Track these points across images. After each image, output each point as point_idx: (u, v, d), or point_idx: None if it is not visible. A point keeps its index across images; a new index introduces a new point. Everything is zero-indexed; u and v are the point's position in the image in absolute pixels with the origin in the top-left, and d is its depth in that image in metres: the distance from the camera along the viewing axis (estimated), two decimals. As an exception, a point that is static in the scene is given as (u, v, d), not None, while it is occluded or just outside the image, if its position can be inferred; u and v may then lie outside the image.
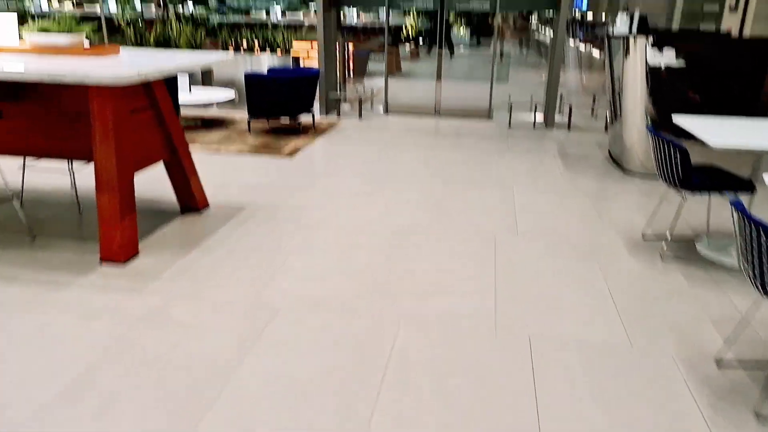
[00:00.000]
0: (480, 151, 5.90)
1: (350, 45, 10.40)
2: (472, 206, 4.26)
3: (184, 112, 7.27)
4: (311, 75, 6.34)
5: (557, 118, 7.30)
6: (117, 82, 2.80)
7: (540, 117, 7.46)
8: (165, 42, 7.43)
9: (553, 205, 4.33)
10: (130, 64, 3.18)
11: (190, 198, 3.95)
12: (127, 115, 3.21)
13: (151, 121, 3.54)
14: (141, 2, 13.51)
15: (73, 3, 13.72)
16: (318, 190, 4.54)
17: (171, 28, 7.45)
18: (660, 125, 4.92)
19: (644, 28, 4.82)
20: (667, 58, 4.76)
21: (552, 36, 7.11)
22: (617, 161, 5.45)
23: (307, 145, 5.98)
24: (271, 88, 6.10)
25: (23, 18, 8.18)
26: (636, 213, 4.20)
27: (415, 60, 12.90)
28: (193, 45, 7.44)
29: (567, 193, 4.59)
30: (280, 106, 6.18)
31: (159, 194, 4.36)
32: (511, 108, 7.12)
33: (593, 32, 13.29)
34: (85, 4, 11.42)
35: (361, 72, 10.06)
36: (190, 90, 6.59)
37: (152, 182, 4.66)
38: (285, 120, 6.86)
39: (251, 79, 6.11)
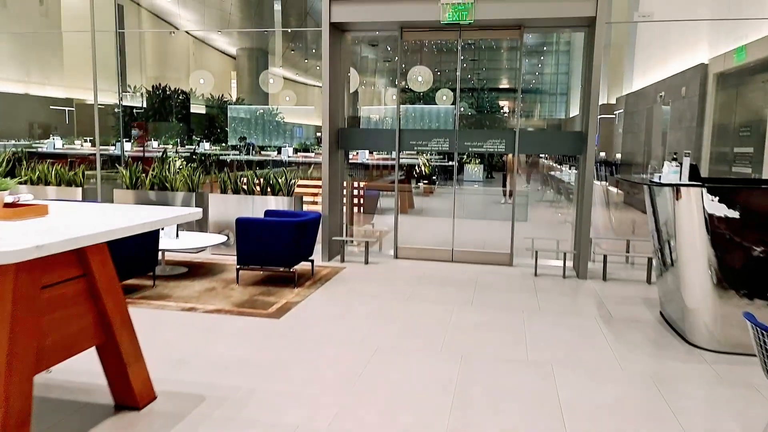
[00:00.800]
0: (505, 309, 4.90)
1: (360, 183, 9.91)
2: (502, 399, 3.17)
3: (170, 256, 6.50)
4: (312, 219, 5.61)
5: (589, 264, 6.36)
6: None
7: (569, 263, 6.54)
8: (161, 184, 6.89)
9: (611, 399, 3.22)
10: (42, 231, 2.37)
11: (128, 392, 2.94)
12: (33, 294, 2.33)
13: (78, 297, 2.65)
14: (132, 141, 13.50)
15: (91, 142, 13.83)
16: (302, 371, 3.51)
17: (168, 169, 6.94)
18: (729, 281, 3.94)
19: (695, 175, 4.06)
20: (724, 207, 3.92)
21: (578, 178, 6.43)
22: (676, 328, 4.40)
23: (301, 300, 5.06)
24: (265, 234, 5.33)
25: (19, 160, 7.84)
26: (728, 416, 3.06)
27: (429, 195, 12.42)
28: (191, 187, 6.87)
29: (624, 381, 3.50)
30: (275, 254, 5.37)
31: (89, 378, 3.35)
32: (536, 256, 6.24)
33: (609, 169, 12.88)
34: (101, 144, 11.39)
35: (370, 211, 9.46)
36: (177, 235, 5.87)
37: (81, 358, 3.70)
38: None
39: (243, 224, 5.38)
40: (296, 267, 5.72)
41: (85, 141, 14.22)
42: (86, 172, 7.48)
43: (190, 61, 23.05)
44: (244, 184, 6.73)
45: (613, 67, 18.06)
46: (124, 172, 6.91)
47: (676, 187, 4.04)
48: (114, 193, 6.91)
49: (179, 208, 3.15)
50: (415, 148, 6.81)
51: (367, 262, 6.57)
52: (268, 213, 5.99)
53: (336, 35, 6.60)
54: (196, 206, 6.83)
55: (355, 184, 9.75)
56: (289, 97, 19.23)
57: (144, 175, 6.96)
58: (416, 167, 11.72)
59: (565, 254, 6.21)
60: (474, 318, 4.68)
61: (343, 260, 6.63)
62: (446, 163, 14.40)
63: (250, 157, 12.47)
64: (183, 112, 19.78)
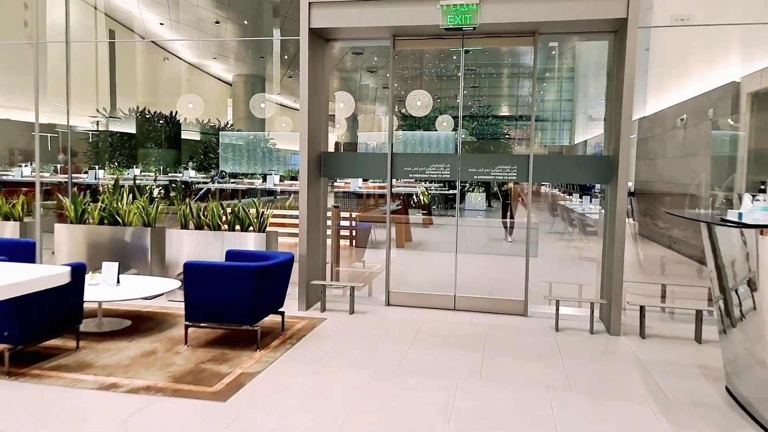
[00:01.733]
0: (525, 386, 3.70)
1: (350, 215, 8.79)
2: None
3: (108, 307, 5.28)
4: (281, 263, 4.45)
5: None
6: None
7: (595, 309, 5.34)
8: (112, 218, 5.76)
9: None
10: None
11: None
12: None
13: None
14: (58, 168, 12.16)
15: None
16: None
17: (120, 200, 5.82)
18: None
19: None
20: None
21: (606, 213, 5.28)
22: (753, 413, 3.19)
23: (262, 369, 3.87)
24: (219, 282, 4.17)
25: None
26: None
27: (428, 227, 11.26)
28: (146, 221, 5.74)
29: None
30: (231, 308, 4.20)
31: None
32: (558, 306, 5.05)
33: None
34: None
35: (362, 245, 8.31)
36: (117, 281, 4.70)
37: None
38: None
39: (192, 270, 4.22)
40: (263, 321, 4.55)
41: (91, 168, 13.10)
42: (43, 203, 6.35)
43: (185, 87, 22.24)
44: (208, 219, 5.61)
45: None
46: (68, 204, 5.77)
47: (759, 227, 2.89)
48: (55, 229, 5.77)
49: (56, 269, 2.01)
50: (411, 175, 5.69)
51: (352, 312, 5.39)
52: (230, 254, 4.83)
53: (317, 44, 5.56)
54: (151, 243, 5.69)
55: (344, 216, 8.63)
56: (285, 123, 18.26)
57: (95, 206, 5.84)
58: (414, 196, 10.60)
59: (592, 305, 5.01)
60: (484, 399, 3.47)
61: (323, 309, 5.44)
62: (447, 192, 13.29)
63: (225, 185, 11.36)
64: (174, 137, 18.83)
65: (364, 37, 5.73)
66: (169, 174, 12.83)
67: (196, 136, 19.86)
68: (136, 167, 12.77)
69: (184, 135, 19.44)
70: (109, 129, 16.65)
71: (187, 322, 4.28)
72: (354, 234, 8.59)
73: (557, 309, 5.05)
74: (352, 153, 5.52)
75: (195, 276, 4.19)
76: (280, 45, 20.85)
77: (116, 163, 12.67)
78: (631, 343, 4.69)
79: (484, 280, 6.86)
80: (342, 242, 8.96)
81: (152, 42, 20.43)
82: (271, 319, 4.85)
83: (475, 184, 12.40)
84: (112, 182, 6.36)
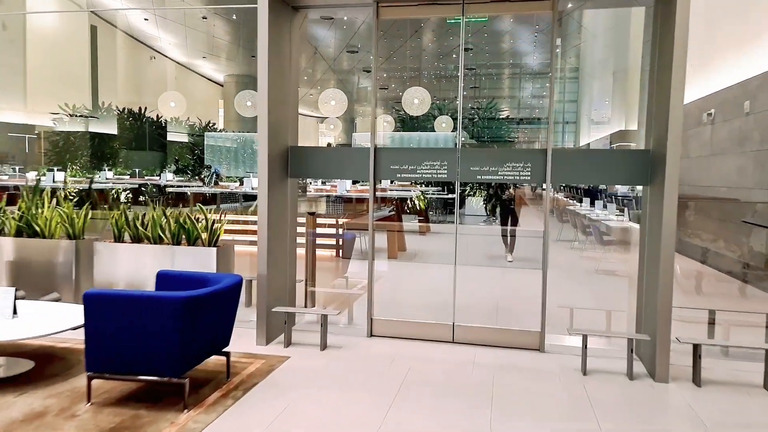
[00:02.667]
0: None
1: (337, 221, 7.65)
2: None
3: (9, 341, 4.12)
4: (222, 290, 3.29)
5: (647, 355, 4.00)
6: None
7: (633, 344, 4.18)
8: (29, 228, 4.61)
9: None
10: None
11: None
12: None
13: None
14: None
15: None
16: None
17: (41, 205, 4.67)
18: None
19: None
20: None
21: (648, 223, 4.12)
22: None
23: (181, 445, 2.72)
24: (131, 318, 3.02)
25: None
26: None
27: (425, 234, 10.10)
28: (71, 233, 4.59)
29: None
30: (151, 353, 3.05)
31: None
32: (585, 342, 3.89)
33: (621, 202, 10.60)
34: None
35: (347, 256, 7.16)
36: (14, 311, 3.55)
37: None
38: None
39: (94, 302, 3.07)
40: (204, 364, 3.41)
41: (49, 170, 11.92)
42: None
43: (172, 87, 21.13)
44: (148, 229, 4.45)
45: (631, 85, 15.98)
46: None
47: None
48: (-40, 242, 4.62)
49: None
50: (399, 175, 4.54)
51: (324, 347, 4.22)
52: (161, 278, 3.67)
53: (281, 12, 4.41)
54: (76, 260, 4.54)
55: (328, 224, 7.49)
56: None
57: (11, 214, 4.68)
58: (408, 201, 9.45)
59: (632, 344, 3.84)
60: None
61: (288, 343, 4.28)
62: (446, 196, 12.14)
63: (207, 189, 10.18)
64: (160, 139, 17.68)
65: (340, 3, 4.59)
66: (145, 177, 11.67)
67: (182, 137, 18.72)
68: (108, 169, 11.60)
69: (172, 137, 18.30)
70: (89, 128, 15.54)
71: (89, 373, 3.12)
72: (338, 244, 7.45)
73: (584, 346, 3.88)
74: (325, 148, 4.38)
75: (99, 310, 3.04)
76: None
77: (79, 165, 11.50)
78: (684, 393, 3.53)
79: (489, 300, 5.69)
80: (328, 252, 7.82)
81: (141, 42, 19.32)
82: (215, 362, 3.69)
83: (477, 187, 11.10)
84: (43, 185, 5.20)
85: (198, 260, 4.29)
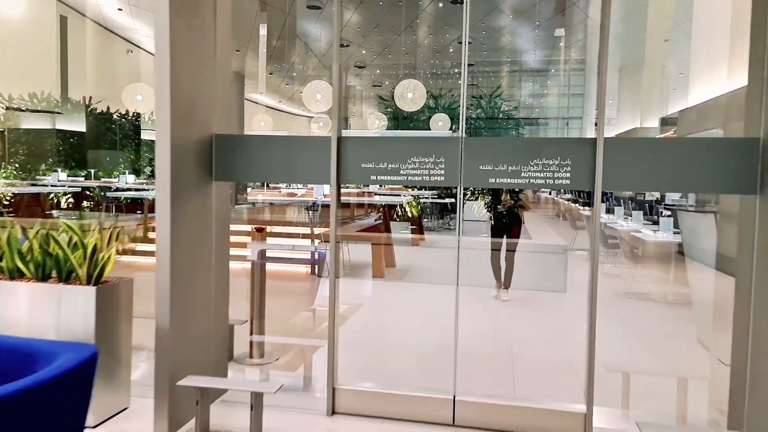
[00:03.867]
0: None
1: (313, 231, 6.16)
2: None
3: None
4: (52, 380, 1.81)
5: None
6: None
7: (696, 398, 2.70)
8: None
9: None
10: None
11: None
12: None
13: None
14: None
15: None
16: None
17: None
18: None
19: None
20: None
21: (760, 244, 2.64)
22: None
23: None
24: None
25: None
26: None
27: (418, 245, 8.59)
28: None
29: None
30: None
31: None
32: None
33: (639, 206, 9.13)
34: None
35: (322, 276, 5.69)
36: None
37: None
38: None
39: None
40: None
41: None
42: None
43: (149, 82, 19.63)
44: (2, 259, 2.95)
45: (650, 80, 14.53)
46: None
47: None
48: None
49: None
50: (374, 176, 3.05)
51: (258, 438, 2.74)
52: (-33, 348, 2.18)
53: (201, -63, 2.93)
54: None
55: (295, 233, 6.02)
56: (264, 122, 15.57)
57: None
58: (398, 208, 7.94)
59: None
60: None
61: (204, 430, 2.79)
62: (441, 201, 10.65)
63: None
64: (135, 138, 16.13)
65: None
66: (102, 180, 10.13)
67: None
68: (61, 171, 10.06)
69: (148, 135, 16.75)
70: (56, 125, 14.00)
71: None
72: (319, 265, 5.98)
73: (664, 450, 2.39)
74: (267, 138, 2.94)
75: None
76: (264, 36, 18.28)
77: (17, 165, 9.95)
78: None
79: (502, 349, 4.21)
80: (303, 268, 6.35)
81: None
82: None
83: (480, 189, 9.09)
84: None
85: (67, 306, 2.78)
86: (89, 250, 2.84)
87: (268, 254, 4.52)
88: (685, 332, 4.65)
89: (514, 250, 5.69)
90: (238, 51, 20.11)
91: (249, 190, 11.56)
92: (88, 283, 2.85)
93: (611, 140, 2.69)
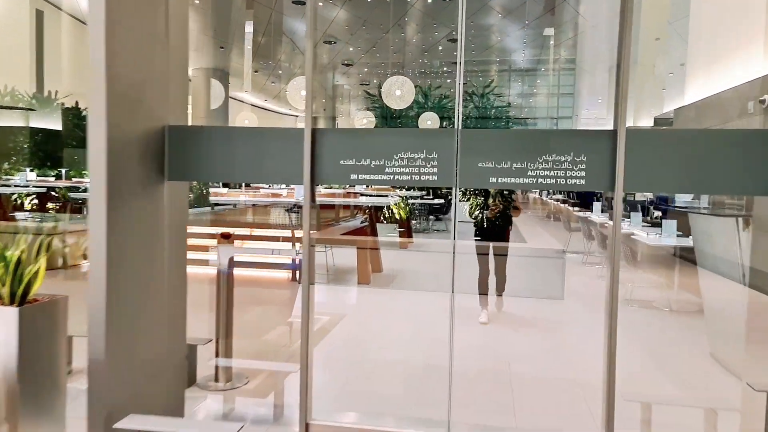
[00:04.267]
0: None
1: (295, 234, 5.71)
2: None
3: None
4: None
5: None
6: None
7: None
8: None
9: None
10: None
11: None
12: None
13: None
14: None
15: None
16: None
17: None
18: None
19: None
20: None
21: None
22: None
23: None
24: None
25: None
26: None
27: (406, 249, 8.14)
28: None
29: None
30: None
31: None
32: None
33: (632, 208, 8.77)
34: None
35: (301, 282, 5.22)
36: None
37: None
38: None
39: None
40: None
41: None
42: None
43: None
44: None
45: (641, 79, 14.23)
46: None
47: None
48: None
49: None
50: (355, 175, 2.59)
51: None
52: None
53: None
54: None
55: (275, 236, 5.56)
56: (249, 120, 15.04)
57: None
58: (386, 209, 7.48)
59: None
60: None
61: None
62: (431, 201, 10.22)
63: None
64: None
65: None
66: (73, 180, 9.53)
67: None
68: (30, 170, 9.46)
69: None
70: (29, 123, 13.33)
71: None
72: (294, 263, 5.52)
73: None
74: (229, 129, 2.48)
75: None
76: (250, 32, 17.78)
77: None
78: None
79: (500, 371, 3.77)
80: (284, 274, 5.90)
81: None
82: None
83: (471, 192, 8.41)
84: None
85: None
86: (12, 265, 2.35)
87: (241, 259, 4.05)
88: (696, 345, 4.26)
89: (506, 255, 5.15)
90: (222, 48, 19.49)
91: (226, 190, 11.03)
92: (11, 303, 2.36)
93: (635, 132, 2.26)
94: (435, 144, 2.44)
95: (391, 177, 2.50)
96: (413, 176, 2.47)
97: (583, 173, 2.33)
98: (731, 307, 3.79)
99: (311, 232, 2.63)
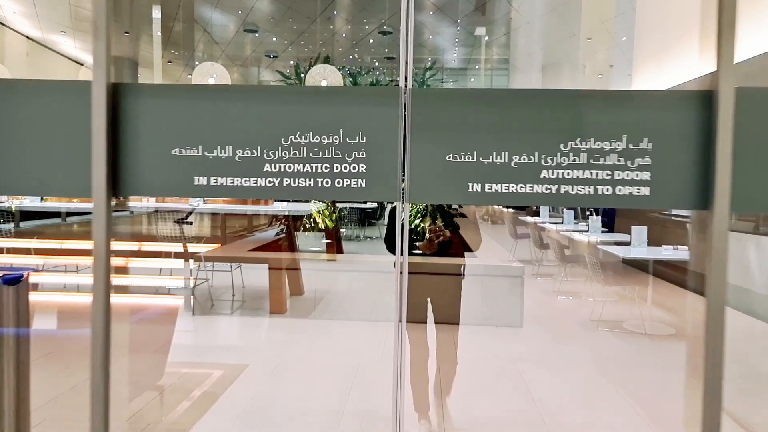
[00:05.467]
0: None
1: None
2: None
3: None
4: None
5: None
6: None
7: None
8: None
9: None
10: None
11: None
12: None
13: None
14: None
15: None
16: None
17: None
18: None
19: None
20: None
21: None
22: None
23: None
24: None
25: None
26: None
27: (336, 260, 6.84)
28: None
29: None
30: None
31: None
32: None
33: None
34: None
35: (200, 314, 3.82)
36: None
37: None
38: None
39: None
40: None
41: None
42: None
43: (22, 67, 16.31)
44: None
45: (571, 80, 13.78)
46: None
47: None
48: None
49: None
50: (198, 180, 1.30)
51: None
52: None
53: None
54: None
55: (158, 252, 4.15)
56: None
57: None
58: (308, 219, 6.15)
59: None
60: None
61: None
62: (364, 206, 9.02)
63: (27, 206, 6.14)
64: None
65: None
66: None
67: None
68: None
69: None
70: None
71: None
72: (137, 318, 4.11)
73: None
74: None
75: None
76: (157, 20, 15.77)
77: None
78: None
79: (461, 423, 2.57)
80: (176, 301, 4.49)
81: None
82: None
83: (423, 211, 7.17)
84: None
85: None
86: None
87: (121, 282, 2.63)
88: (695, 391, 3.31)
89: (459, 274, 3.91)
90: (127, 33, 17.25)
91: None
92: None
93: (745, 90, 1.14)
94: (362, 116, 1.21)
95: (275, 183, 1.23)
96: (317, 181, 1.22)
97: (648, 176, 1.18)
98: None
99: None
